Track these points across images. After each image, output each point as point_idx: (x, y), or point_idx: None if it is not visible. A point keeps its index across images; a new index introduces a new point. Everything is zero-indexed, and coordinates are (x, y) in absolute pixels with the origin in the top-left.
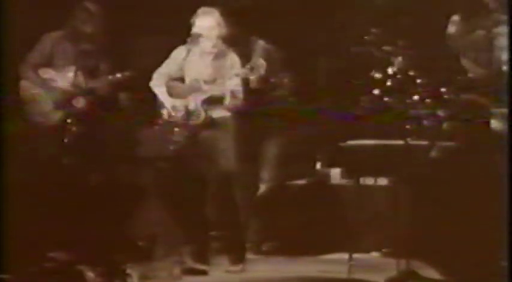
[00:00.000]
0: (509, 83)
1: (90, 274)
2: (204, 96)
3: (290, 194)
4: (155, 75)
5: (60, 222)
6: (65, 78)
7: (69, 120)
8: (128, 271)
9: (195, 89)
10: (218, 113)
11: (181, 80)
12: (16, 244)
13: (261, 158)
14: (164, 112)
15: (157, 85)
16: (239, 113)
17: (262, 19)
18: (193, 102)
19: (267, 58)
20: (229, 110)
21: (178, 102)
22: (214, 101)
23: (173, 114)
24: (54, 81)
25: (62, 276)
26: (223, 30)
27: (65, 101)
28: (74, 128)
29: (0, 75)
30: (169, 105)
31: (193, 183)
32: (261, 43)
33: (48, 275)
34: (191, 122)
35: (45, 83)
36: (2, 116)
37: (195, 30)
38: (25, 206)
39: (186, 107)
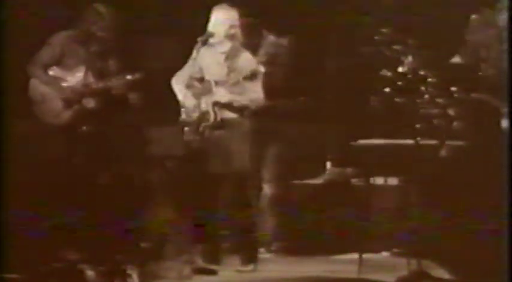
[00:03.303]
0: (510, 82)
1: (91, 273)
2: (214, 99)
3: (301, 194)
4: (176, 75)
5: (69, 222)
6: (74, 78)
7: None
8: (129, 271)
9: (207, 91)
10: (229, 113)
11: (201, 80)
12: (23, 244)
13: (265, 157)
14: (182, 112)
15: (177, 84)
16: (254, 113)
17: (271, 18)
18: (205, 103)
19: (277, 53)
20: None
21: (194, 103)
22: (225, 105)
23: (189, 114)
24: (64, 81)
25: (69, 276)
26: (237, 32)
27: (74, 100)
28: (83, 128)
29: (8, 74)
30: (186, 105)
31: (204, 183)
32: (270, 38)
33: (55, 275)
34: (203, 123)
35: (54, 82)
36: (11, 115)
37: (209, 26)
38: (33, 206)
39: (199, 108)
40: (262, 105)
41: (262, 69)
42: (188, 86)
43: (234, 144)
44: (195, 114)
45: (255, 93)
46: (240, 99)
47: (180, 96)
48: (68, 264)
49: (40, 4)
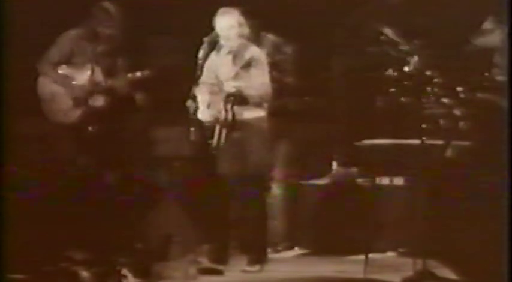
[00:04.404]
0: (509, 82)
1: (85, 274)
2: (223, 95)
3: (307, 194)
4: (198, 85)
5: (76, 222)
6: (83, 76)
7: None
8: (123, 272)
9: (219, 91)
10: (248, 114)
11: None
12: (22, 244)
13: (273, 157)
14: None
15: (200, 94)
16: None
17: (277, 17)
18: (218, 103)
19: (276, 52)
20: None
21: (212, 107)
22: (236, 99)
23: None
24: (73, 79)
25: (64, 276)
26: (245, 30)
27: (83, 99)
28: (91, 127)
29: (15, 73)
30: (205, 110)
31: (213, 183)
32: (270, 38)
33: (58, 276)
34: (217, 124)
35: (64, 80)
36: (18, 114)
37: (216, 30)
38: (39, 206)
39: (214, 109)
40: (268, 94)
41: (261, 57)
42: (211, 92)
43: (252, 145)
44: (212, 117)
45: (260, 83)
46: (246, 90)
47: (201, 105)
48: (66, 265)
49: (48, 2)
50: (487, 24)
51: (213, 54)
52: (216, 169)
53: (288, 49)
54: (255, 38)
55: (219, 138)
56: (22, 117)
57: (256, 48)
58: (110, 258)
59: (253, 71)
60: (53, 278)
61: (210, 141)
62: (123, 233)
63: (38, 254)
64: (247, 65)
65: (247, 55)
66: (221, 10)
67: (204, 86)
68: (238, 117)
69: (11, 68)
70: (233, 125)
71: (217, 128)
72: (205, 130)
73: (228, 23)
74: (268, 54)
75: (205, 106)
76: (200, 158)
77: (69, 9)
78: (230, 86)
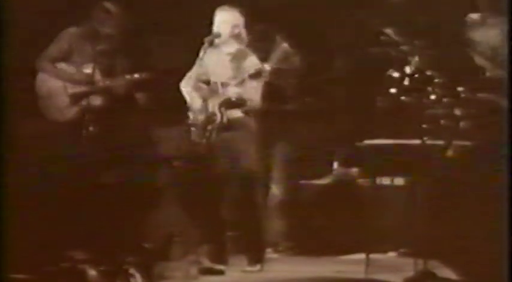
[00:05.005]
0: (509, 82)
1: (93, 273)
2: (220, 100)
3: (307, 194)
4: (185, 78)
5: (75, 222)
6: (82, 75)
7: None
8: (131, 271)
9: (213, 92)
10: (235, 113)
11: (208, 82)
12: (25, 244)
13: (273, 157)
14: (190, 114)
15: (186, 87)
16: (256, 113)
17: (278, 18)
18: (212, 105)
19: (286, 61)
20: (246, 112)
21: (201, 105)
22: (231, 104)
23: (197, 116)
24: (72, 73)
25: (71, 276)
26: (242, 32)
27: (81, 97)
28: (90, 126)
29: (13, 71)
30: (194, 107)
31: (211, 183)
32: (283, 47)
33: (63, 275)
34: (210, 125)
35: (63, 74)
36: (15, 113)
37: (214, 27)
38: (38, 205)
39: (206, 110)
40: (258, 104)
41: (267, 68)
42: (196, 88)
43: (241, 145)
44: (202, 116)
45: (255, 95)
46: (245, 98)
47: (187, 99)
48: (70, 265)
49: (48, 2)
50: (475, 19)
51: (209, 51)
52: (214, 169)
53: (297, 58)
54: (269, 40)
55: (209, 138)
56: (22, 116)
57: (256, 60)
58: (114, 258)
59: (257, 82)
60: (56, 278)
61: (198, 139)
62: (123, 233)
63: (41, 254)
64: (257, 76)
65: (249, 64)
66: (220, 7)
67: (191, 80)
68: (229, 116)
69: (11, 68)
70: (224, 125)
71: (209, 128)
72: (195, 127)
73: (222, 18)
74: (278, 61)
75: (192, 100)
76: (199, 158)
77: (70, 9)
78: (232, 92)
